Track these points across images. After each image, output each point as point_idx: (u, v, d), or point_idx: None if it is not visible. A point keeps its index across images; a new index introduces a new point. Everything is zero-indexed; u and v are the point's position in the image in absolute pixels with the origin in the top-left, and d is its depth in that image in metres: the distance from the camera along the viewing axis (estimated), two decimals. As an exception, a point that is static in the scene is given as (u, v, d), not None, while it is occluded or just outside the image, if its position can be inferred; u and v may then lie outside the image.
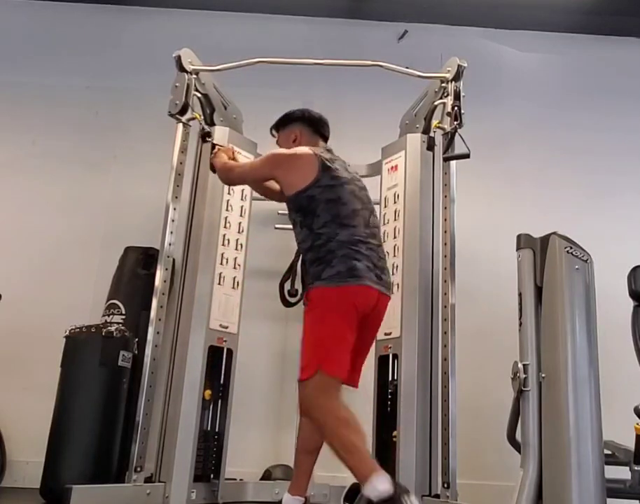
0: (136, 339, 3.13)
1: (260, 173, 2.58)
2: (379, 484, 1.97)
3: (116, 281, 3.51)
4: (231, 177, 2.70)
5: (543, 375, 2.26)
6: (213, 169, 2.82)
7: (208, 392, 2.89)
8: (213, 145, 2.94)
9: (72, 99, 4.08)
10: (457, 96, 2.91)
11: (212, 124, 3.22)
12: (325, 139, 2.66)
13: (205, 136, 3.09)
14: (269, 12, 4.26)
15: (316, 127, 2.63)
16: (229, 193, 3.10)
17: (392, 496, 1.94)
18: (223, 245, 3.04)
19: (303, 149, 2.45)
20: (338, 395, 2.22)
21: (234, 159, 2.85)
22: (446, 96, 2.99)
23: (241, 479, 3.14)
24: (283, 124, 2.67)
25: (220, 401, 2.99)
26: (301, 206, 2.39)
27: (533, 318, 2.36)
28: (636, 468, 2.35)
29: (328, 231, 2.33)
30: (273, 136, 2.73)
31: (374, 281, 2.30)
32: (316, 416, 2.21)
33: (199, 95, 3.17)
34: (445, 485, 2.63)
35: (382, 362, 2.98)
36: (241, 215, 3.16)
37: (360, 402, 3.30)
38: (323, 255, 2.31)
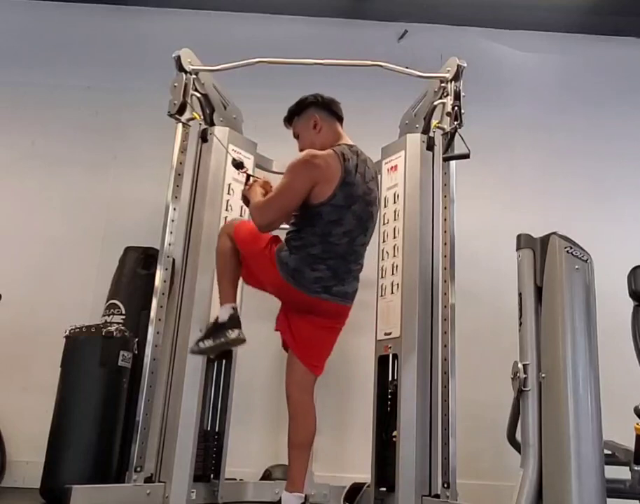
0: (136, 339, 3.13)
1: (300, 191, 2.37)
2: (222, 313, 2.49)
3: (116, 281, 3.51)
4: (265, 214, 2.41)
5: (543, 375, 2.26)
6: (246, 201, 2.64)
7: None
8: (248, 176, 2.69)
9: (72, 99, 4.09)
10: (457, 96, 2.90)
11: (212, 124, 3.22)
12: (341, 120, 2.65)
13: (238, 166, 2.74)
14: (269, 12, 4.26)
15: (331, 109, 2.62)
16: (229, 193, 3.10)
17: (223, 323, 2.46)
18: (223, 245, 3.04)
19: (330, 157, 2.39)
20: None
21: (269, 191, 2.62)
22: (446, 96, 2.99)
23: (241, 479, 3.14)
24: (298, 111, 2.62)
25: (220, 401, 2.99)
26: (306, 213, 2.43)
27: (533, 318, 2.36)
28: (636, 468, 2.35)
29: (309, 238, 2.42)
30: (287, 127, 2.68)
31: (325, 294, 2.44)
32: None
33: (198, 95, 3.17)
34: (445, 485, 2.63)
35: (382, 362, 2.98)
36: (241, 215, 3.16)
37: (360, 402, 3.32)
38: (295, 248, 2.43)
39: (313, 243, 2.41)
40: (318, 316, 2.50)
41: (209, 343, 2.49)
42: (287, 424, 2.50)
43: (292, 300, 2.52)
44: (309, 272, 2.40)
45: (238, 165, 2.75)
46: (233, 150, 3.16)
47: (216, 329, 2.50)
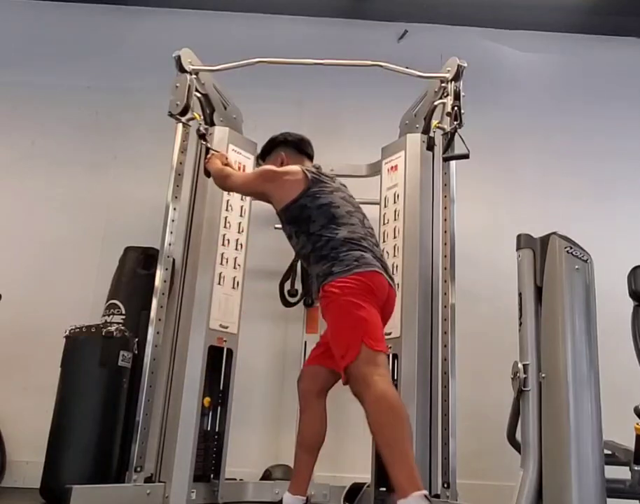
0: (136, 339, 3.13)
1: (252, 188, 2.66)
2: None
3: (116, 281, 3.51)
4: (227, 184, 2.73)
5: (543, 375, 2.26)
6: (207, 173, 2.86)
7: (207, 399, 2.88)
8: (207, 150, 2.95)
9: (72, 99, 4.08)
10: (457, 96, 2.90)
11: (212, 124, 3.22)
12: (311, 158, 2.76)
13: (202, 136, 3.00)
14: (269, 12, 4.26)
15: (299, 147, 2.74)
16: (229, 194, 3.10)
17: None
18: (223, 245, 3.04)
19: (293, 166, 2.57)
20: (388, 372, 2.25)
21: (227, 164, 2.86)
22: (446, 96, 2.99)
23: (241, 479, 3.14)
24: (268, 151, 2.80)
25: (220, 401, 2.99)
26: (293, 217, 2.47)
27: (533, 318, 2.36)
28: (636, 468, 2.35)
29: (327, 232, 2.37)
30: (260, 165, 2.84)
31: (382, 270, 2.35)
32: (369, 398, 2.13)
33: (198, 95, 3.17)
34: (445, 485, 2.63)
35: (382, 362, 2.98)
36: (241, 215, 3.16)
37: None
38: (327, 253, 2.34)
39: (330, 233, 2.35)
40: (380, 305, 2.33)
41: None
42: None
43: (373, 292, 2.29)
44: (357, 253, 2.30)
45: (201, 136, 2.97)
46: (233, 150, 3.17)
47: None
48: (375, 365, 2.16)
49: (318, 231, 2.39)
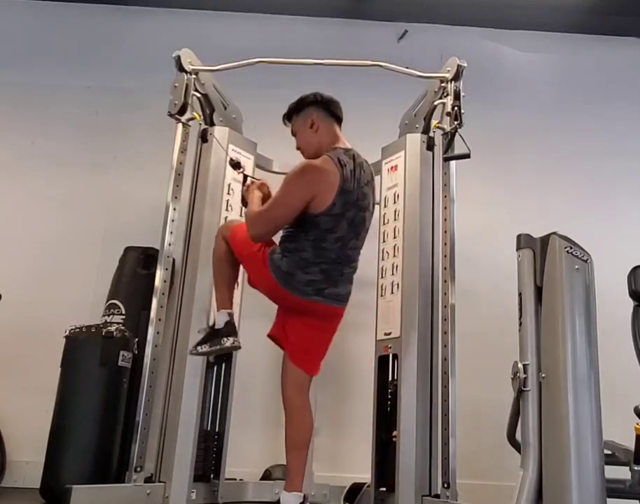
0: (136, 339, 3.13)
1: (295, 205, 2.37)
2: (219, 319, 2.52)
3: (116, 281, 3.51)
4: (260, 227, 2.44)
5: (543, 375, 2.26)
6: (245, 203, 2.70)
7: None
8: (245, 177, 2.76)
9: (72, 99, 4.09)
10: (457, 96, 2.90)
11: (212, 124, 3.22)
12: (340, 121, 2.64)
13: (235, 166, 2.80)
14: (269, 12, 4.27)
15: (329, 109, 2.62)
16: (229, 193, 3.10)
17: (218, 330, 2.49)
18: (223, 245, 3.04)
19: (328, 165, 2.38)
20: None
21: (268, 194, 2.66)
22: (446, 96, 2.99)
23: (241, 479, 3.14)
24: (297, 109, 2.62)
25: (220, 401, 2.99)
26: (302, 220, 2.41)
27: (533, 318, 2.36)
28: (636, 468, 2.34)
29: (303, 242, 2.41)
30: (286, 125, 2.67)
31: (318, 296, 2.43)
32: None
33: (198, 95, 3.17)
34: (445, 485, 2.63)
35: (382, 362, 2.98)
36: (241, 215, 3.16)
37: (360, 402, 3.32)
38: (289, 251, 2.43)
39: (305, 248, 2.41)
40: (311, 317, 2.50)
41: (205, 348, 2.52)
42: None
43: (284, 302, 2.53)
44: (301, 275, 2.40)
45: (235, 165, 2.80)
46: (233, 150, 3.17)
47: (212, 335, 2.53)
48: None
49: (300, 239, 2.41)
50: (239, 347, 2.56)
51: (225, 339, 2.49)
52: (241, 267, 2.69)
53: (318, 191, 2.36)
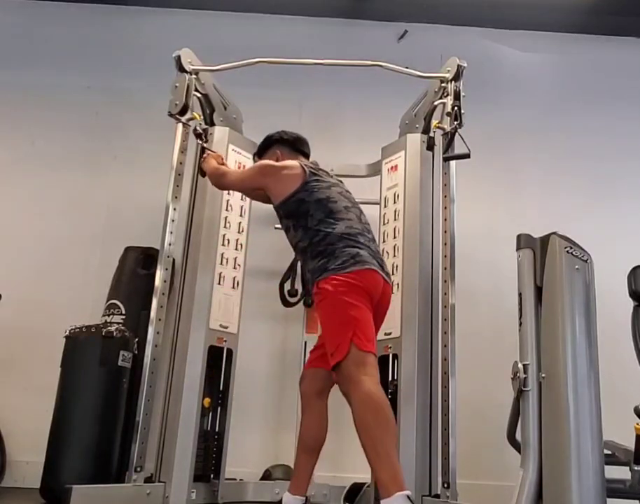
0: (136, 339, 3.13)
1: (250, 183, 2.69)
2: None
3: (116, 281, 3.51)
4: (223, 182, 2.79)
5: (543, 375, 2.26)
6: (202, 172, 2.93)
7: (207, 400, 2.88)
8: (203, 149, 3.00)
9: (72, 99, 4.09)
10: (457, 96, 2.90)
11: (212, 124, 3.22)
12: (307, 156, 2.78)
13: (198, 136, 3.05)
14: (269, 12, 4.26)
15: (294, 145, 2.77)
16: (229, 193, 3.10)
17: None
18: (223, 245, 3.04)
19: (291, 161, 2.59)
20: (376, 373, 2.21)
21: (223, 164, 2.91)
22: (446, 96, 2.99)
23: (241, 479, 3.14)
24: (264, 149, 2.80)
25: (220, 401, 2.99)
26: (291, 211, 2.48)
27: (533, 318, 2.36)
28: (636, 468, 2.35)
29: (324, 226, 2.38)
30: (255, 162, 2.83)
31: (378, 267, 2.34)
32: (355, 398, 2.13)
33: (198, 95, 3.17)
34: (445, 485, 2.63)
35: (382, 362, 2.97)
36: (241, 215, 3.16)
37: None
38: (323, 249, 2.34)
39: (327, 228, 2.36)
40: (373, 303, 2.32)
41: None
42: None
43: (367, 291, 2.29)
44: (354, 250, 2.30)
45: (198, 135, 3.04)
46: (233, 150, 3.17)
47: None
48: (364, 365, 2.16)
49: (315, 225, 2.39)
50: None
51: None
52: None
53: (282, 174, 2.51)
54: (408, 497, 1.99)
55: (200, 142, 3.06)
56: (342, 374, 2.20)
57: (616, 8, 4.16)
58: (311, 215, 2.41)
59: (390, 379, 2.94)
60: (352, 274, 2.26)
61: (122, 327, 3.10)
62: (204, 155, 2.93)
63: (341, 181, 2.69)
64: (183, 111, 3.03)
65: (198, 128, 3.07)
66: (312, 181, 2.48)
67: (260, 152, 2.83)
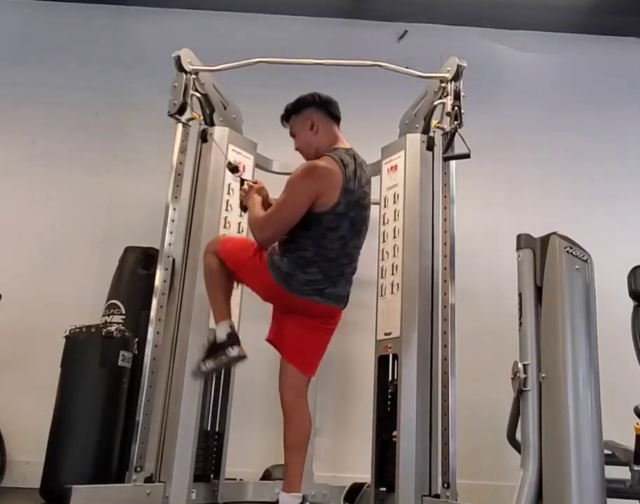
0: (136, 339, 3.13)
1: (302, 206, 2.36)
2: (219, 332, 2.46)
3: (116, 281, 3.51)
4: (269, 230, 2.42)
5: (543, 375, 2.26)
6: (243, 208, 2.68)
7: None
8: (242, 181, 2.71)
9: (72, 99, 4.09)
10: (457, 96, 2.91)
11: (212, 124, 3.22)
12: (338, 121, 2.63)
13: (233, 170, 2.77)
14: (269, 12, 4.27)
15: (329, 109, 2.59)
16: (229, 193, 3.10)
17: (221, 343, 2.44)
18: (223, 245, 3.04)
19: (332, 165, 2.38)
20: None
21: (266, 197, 2.66)
22: (446, 96, 2.99)
23: (241, 479, 3.14)
24: (296, 110, 2.59)
25: (220, 401, 2.99)
26: (303, 219, 2.39)
27: (533, 318, 2.36)
28: (636, 468, 2.34)
29: (305, 241, 2.40)
30: (284, 125, 2.65)
31: (317, 296, 2.43)
32: None
33: (198, 95, 3.17)
34: (445, 485, 2.63)
35: (382, 362, 2.98)
36: (241, 215, 3.15)
37: (360, 402, 3.32)
38: (289, 252, 2.43)
39: (305, 246, 2.40)
40: (309, 318, 2.50)
41: (210, 364, 2.45)
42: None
43: (283, 303, 2.53)
44: (300, 275, 2.40)
45: (233, 169, 2.76)
46: (233, 150, 3.17)
47: (215, 349, 2.46)
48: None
49: (299, 238, 2.39)
50: (245, 356, 2.48)
51: (230, 349, 2.44)
52: None
53: (323, 190, 2.35)
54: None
55: (238, 175, 2.76)
56: None
57: (616, 8, 4.16)
58: (306, 230, 2.38)
59: (390, 379, 2.94)
60: (287, 292, 2.44)
61: (122, 327, 3.10)
62: (244, 187, 2.67)
63: (368, 181, 2.57)
64: (182, 110, 3.03)
65: (232, 162, 2.81)
66: (342, 203, 2.36)
67: (291, 114, 2.60)
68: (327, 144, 2.52)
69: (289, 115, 2.61)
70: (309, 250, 2.40)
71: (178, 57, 3.06)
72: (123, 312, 3.34)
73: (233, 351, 2.43)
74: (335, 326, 2.60)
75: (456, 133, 2.85)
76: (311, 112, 2.56)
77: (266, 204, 2.60)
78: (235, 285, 2.67)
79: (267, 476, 3.24)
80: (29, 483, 3.20)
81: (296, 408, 2.47)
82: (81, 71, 4.14)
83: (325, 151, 2.47)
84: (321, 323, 2.54)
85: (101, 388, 2.94)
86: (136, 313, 3.30)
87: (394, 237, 3.07)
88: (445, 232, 2.95)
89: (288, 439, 2.45)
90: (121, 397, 3.02)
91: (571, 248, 2.34)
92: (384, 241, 3.13)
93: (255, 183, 2.71)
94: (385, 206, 3.20)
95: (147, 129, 3.91)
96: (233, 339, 2.47)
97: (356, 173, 2.43)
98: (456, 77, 2.96)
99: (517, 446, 2.37)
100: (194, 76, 3.10)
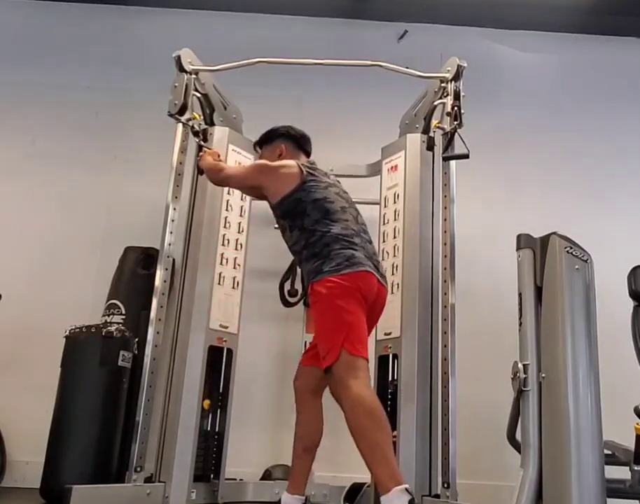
0: (136, 339, 3.13)
1: (247, 181, 2.65)
2: (398, 500, 2.00)
3: (116, 281, 3.51)
4: (220, 178, 2.72)
5: (543, 375, 2.26)
6: (200, 170, 2.88)
7: (207, 401, 2.87)
8: (200, 147, 3.00)
9: (72, 99, 4.09)
10: (457, 96, 2.91)
11: (212, 124, 3.22)
12: (308, 155, 2.77)
13: (196, 134, 3.06)
14: (269, 12, 4.26)
15: (299, 142, 2.75)
16: (229, 193, 3.10)
17: None
18: (223, 245, 3.04)
19: (288, 160, 2.57)
20: (367, 376, 2.23)
21: (220, 161, 2.87)
22: (446, 96, 2.99)
23: (241, 479, 3.14)
24: (267, 140, 2.78)
25: (220, 401, 2.99)
26: (288, 211, 2.47)
27: (533, 318, 2.37)
28: (636, 468, 2.35)
29: (321, 227, 2.38)
30: (257, 152, 2.85)
31: (373, 269, 2.35)
32: (346, 402, 2.18)
33: (198, 95, 3.17)
34: (445, 485, 2.63)
35: (382, 362, 2.98)
36: (240, 215, 3.16)
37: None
38: (319, 251, 2.35)
39: (323, 228, 2.37)
40: (368, 304, 2.33)
41: None
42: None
43: (362, 293, 2.30)
44: (349, 251, 2.31)
45: (195, 133, 3.04)
46: (233, 150, 3.17)
47: None
48: (354, 369, 2.18)
49: (311, 226, 2.40)
50: None
51: None
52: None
53: (280, 174, 2.49)
54: (407, 489, 2.01)
55: (197, 140, 3.06)
56: (333, 378, 2.24)
57: (616, 8, 4.16)
58: (307, 215, 2.42)
59: (390, 379, 2.94)
60: (346, 276, 2.27)
61: (122, 327, 3.10)
62: (201, 153, 2.92)
63: (338, 181, 2.69)
64: (182, 111, 3.03)
65: (196, 126, 3.07)
66: (310, 181, 2.47)
67: (262, 142, 2.81)
68: None
69: (262, 143, 2.82)
70: (333, 226, 2.37)
71: (179, 57, 3.06)
72: (123, 312, 3.34)
73: None
74: (381, 311, 2.51)
75: (456, 133, 2.85)
76: (282, 141, 2.73)
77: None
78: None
79: (267, 476, 3.24)
80: (29, 483, 3.20)
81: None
82: (81, 71, 4.14)
83: None
84: (370, 308, 2.37)
85: (101, 388, 2.94)
86: (136, 313, 3.29)
87: (394, 237, 3.07)
88: (445, 232, 2.95)
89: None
90: (121, 397, 3.02)
91: (571, 248, 2.34)
92: (384, 241, 3.13)
93: (210, 148, 2.93)
94: (385, 206, 3.19)
95: (147, 129, 3.91)
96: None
97: (316, 170, 2.56)
98: (456, 77, 2.96)
99: (517, 446, 2.37)
100: (194, 76, 3.10)
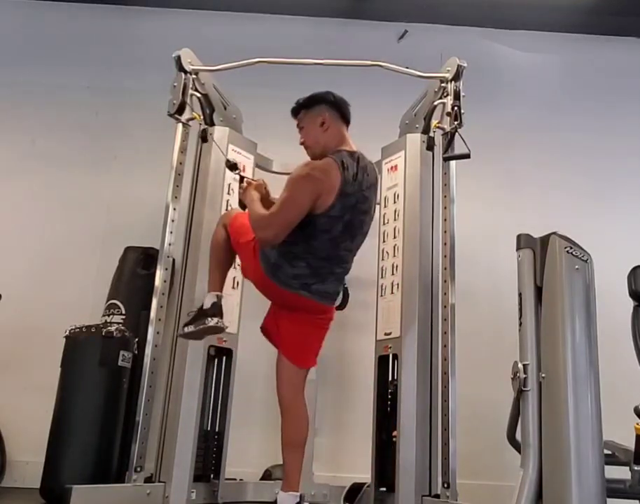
0: (136, 339, 3.14)
1: (303, 206, 2.33)
2: (207, 300, 2.53)
3: (116, 281, 3.51)
4: (271, 230, 2.34)
5: (543, 375, 2.26)
6: (242, 205, 2.62)
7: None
8: (242, 178, 2.66)
9: (72, 99, 4.09)
10: (457, 96, 2.91)
11: (212, 124, 3.22)
12: (348, 123, 2.62)
13: (232, 168, 2.71)
14: (269, 12, 4.27)
15: (342, 110, 2.58)
16: (229, 193, 3.10)
17: (205, 311, 2.50)
18: (223, 245, 3.04)
19: (331, 167, 2.36)
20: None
21: (267, 195, 2.61)
22: (446, 96, 2.99)
23: (241, 479, 3.14)
24: (309, 105, 2.57)
25: (220, 401, 2.99)
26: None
27: (533, 318, 2.36)
28: (636, 468, 2.34)
29: (294, 240, 2.37)
30: (293, 118, 2.61)
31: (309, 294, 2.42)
32: None
33: (198, 95, 3.17)
34: (445, 485, 2.63)
35: (382, 362, 2.98)
36: (241, 215, 3.15)
37: (360, 402, 3.32)
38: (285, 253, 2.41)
39: (296, 241, 2.39)
40: (300, 312, 2.50)
41: (190, 328, 2.53)
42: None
43: (273, 295, 2.54)
44: (287, 267, 2.40)
45: (232, 167, 2.71)
46: (233, 150, 3.17)
47: (198, 315, 2.54)
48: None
49: (291, 233, 2.35)
50: (223, 329, 2.55)
51: (210, 319, 2.49)
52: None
53: (322, 191, 2.34)
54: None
55: (237, 172, 2.70)
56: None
57: (616, 8, 4.16)
58: (300, 228, 2.35)
59: (390, 379, 2.94)
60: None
61: (122, 327, 3.10)
62: (243, 185, 2.62)
63: (373, 185, 2.54)
64: (181, 110, 3.03)
65: (230, 160, 2.77)
66: (338, 206, 2.34)
67: (302, 108, 2.57)
68: (334, 144, 2.51)
69: (300, 108, 2.59)
70: (299, 246, 2.40)
71: (178, 57, 3.06)
72: (123, 312, 3.34)
73: (212, 321, 2.49)
74: (327, 322, 2.59)
75: (456, 133, 2.85)
76: (324, 110, 2.55)
77: (266, 202, 2.53)
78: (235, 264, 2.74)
79: (267, 476, 3.24)
80: (29, 483, 3.20)
81: (293, 404, 2.48)
82: (81, 71, 4.14)
83: (330, 151, 2.45)
84: (312, 318, 2.53)
85: (101, 388, 2.94)
86: (136, 313, 3.30)
87: (394, 237, 3.07)
88: (445, 232, 2.95)
89: (285, 436, 2.45)
90: (121, 397, 3.02)
91: (571, 248, 2.34)
92: (384, 241, 3.13)
93: (254, 180, 2.68)
94: (385, 206, 3.19)
95: (147, 129, 3.91)
96: (216, 310, 2.53)
97: (356, 177, 2.41)
98: (456, 77, 2.96)
99: (517, 446, 2.37)
100: (194, 76, 3.10)
